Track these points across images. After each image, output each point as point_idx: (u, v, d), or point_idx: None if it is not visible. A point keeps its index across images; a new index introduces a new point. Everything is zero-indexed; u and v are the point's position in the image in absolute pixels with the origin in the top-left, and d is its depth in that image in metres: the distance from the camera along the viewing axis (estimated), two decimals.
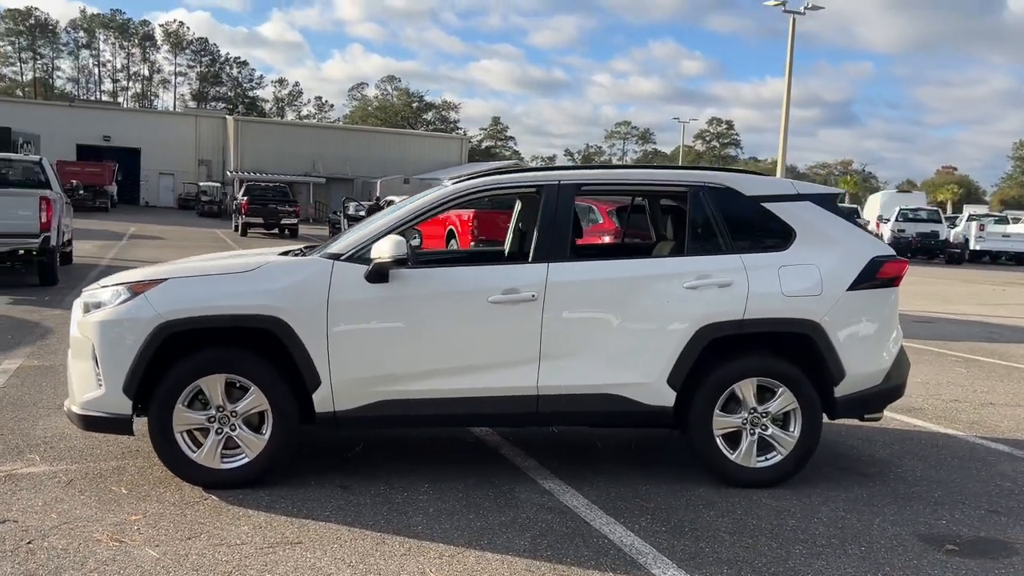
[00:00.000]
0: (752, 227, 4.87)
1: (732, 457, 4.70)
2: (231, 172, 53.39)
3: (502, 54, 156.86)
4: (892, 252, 4.96)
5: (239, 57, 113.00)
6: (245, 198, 31.08)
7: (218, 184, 52.42)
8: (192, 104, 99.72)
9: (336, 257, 4.56)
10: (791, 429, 4.72)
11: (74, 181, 22.61)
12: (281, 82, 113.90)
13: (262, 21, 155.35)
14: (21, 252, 12.64)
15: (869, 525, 4.25)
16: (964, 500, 4.70)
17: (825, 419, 4.89)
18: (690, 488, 4.69)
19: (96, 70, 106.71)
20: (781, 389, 4.68)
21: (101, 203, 42.67)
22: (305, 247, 5.16)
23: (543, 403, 4.58)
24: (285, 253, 4.97)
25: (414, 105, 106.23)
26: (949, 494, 4.79)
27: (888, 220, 33.06)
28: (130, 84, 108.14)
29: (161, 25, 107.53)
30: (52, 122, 52.57)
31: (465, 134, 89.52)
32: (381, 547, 3.79)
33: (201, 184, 52.47)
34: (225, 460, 4.45)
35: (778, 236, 4.83)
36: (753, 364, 4.68)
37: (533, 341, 4.54)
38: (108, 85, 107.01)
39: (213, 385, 4.39)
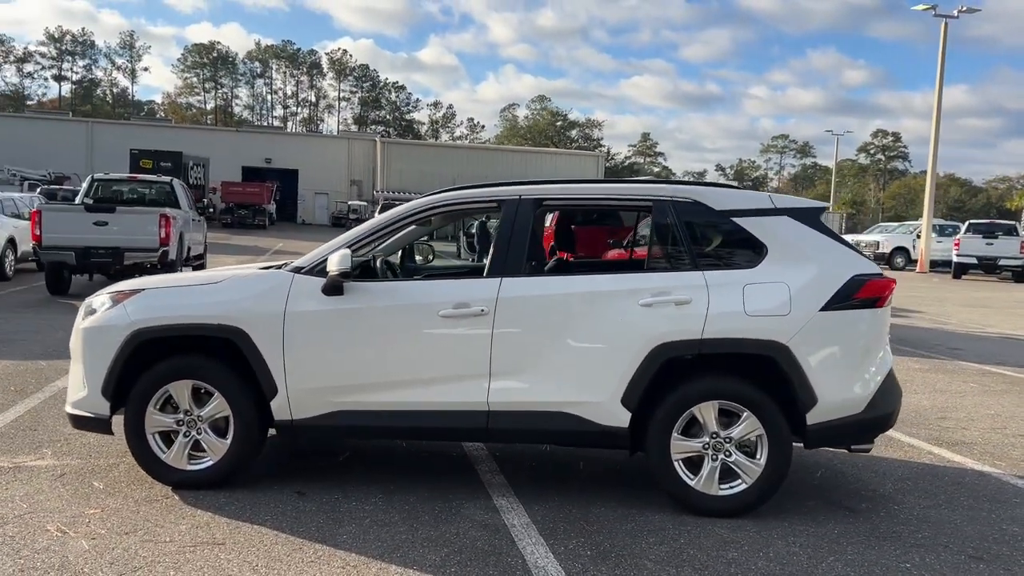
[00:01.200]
0: (719, 243, 4.65)
1: (692, 483, 4.48)
2: (377, 191, 55.78)
3: (653, 69, 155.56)
4: (877, 270, 4.58)
5: (397, 82, 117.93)
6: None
7: (366, 203, 54.94)
8: (354, 128, 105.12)
9: (298, 270, 4.73)
10: (758, 456, 4.45)
11: (204, 200, 24.35)
12: (436, 105, 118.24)
13: (420, 47, 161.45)
14: (148, 265, 13.95)
15: (817, 564, 3.92)
16: (949, 544, 4.24)
17: (811, 448, 4.59)
18: (647, 513, 4.50)
19: (269, 97, 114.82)
20: (745, 414, 4.42)
21: (259, 221, 45.54)
22: (286, 262, 5.37)
23: (493, 419, 4.54)
24: (267, 267, 5.20)
25: (558, 124, 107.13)
26: (936, 536, 4.34)
27: None
28: (298, 110, 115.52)
29: (327, 53, 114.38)
30: (220, 146, 56.94)
31: (608, 151, 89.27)
32: (294, 554, 3.88)
33: (350, 203, 55.18)
34: (192, 462, 4.70)
35: (747, 252, 4.57)
36: (713, 386, 4.45)
37: (483, 356, 4.52)
38: (279, 111, 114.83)
39: (181, 390, 4.65)
